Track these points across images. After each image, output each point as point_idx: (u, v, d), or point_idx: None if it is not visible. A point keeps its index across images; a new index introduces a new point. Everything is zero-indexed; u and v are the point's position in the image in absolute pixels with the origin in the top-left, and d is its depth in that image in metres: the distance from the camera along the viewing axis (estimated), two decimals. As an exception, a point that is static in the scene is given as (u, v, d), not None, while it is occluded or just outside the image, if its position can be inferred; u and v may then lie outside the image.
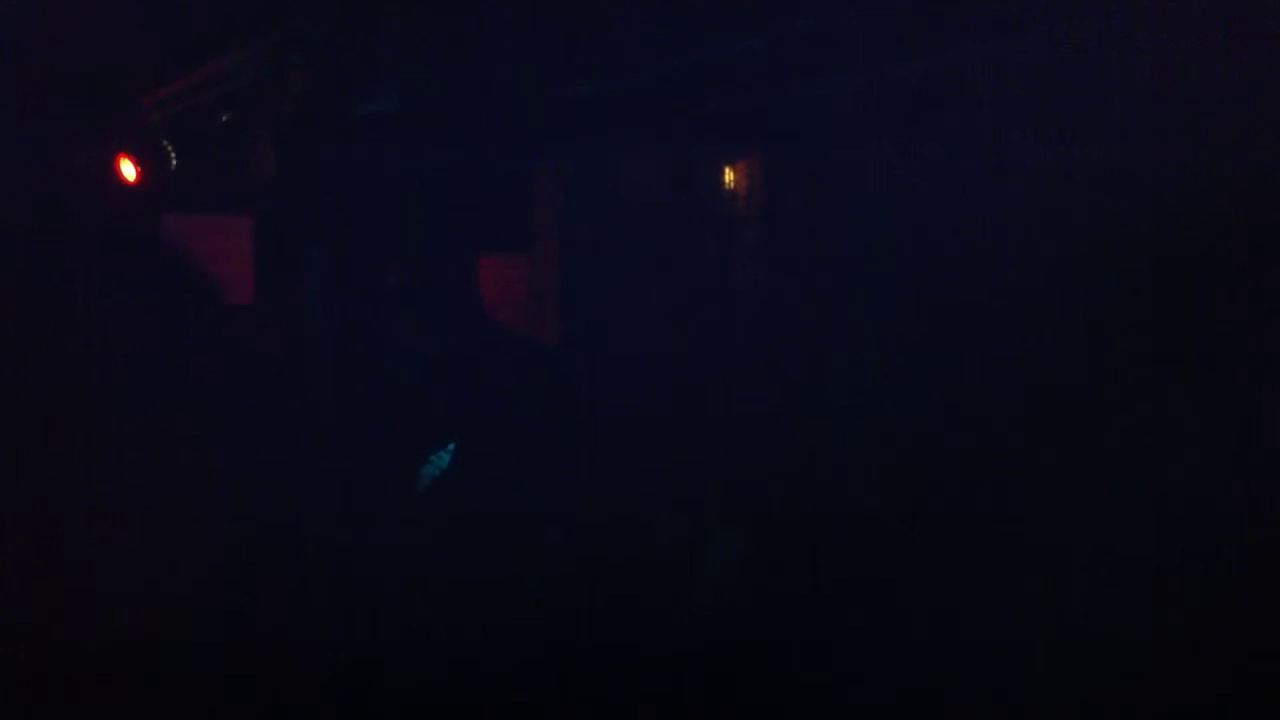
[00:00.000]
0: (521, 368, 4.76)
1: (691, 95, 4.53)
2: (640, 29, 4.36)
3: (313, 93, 4.69)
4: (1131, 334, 3.10)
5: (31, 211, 4.28)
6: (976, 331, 3.58)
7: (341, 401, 4.60)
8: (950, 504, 3.43)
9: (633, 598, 3.87)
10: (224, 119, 4.83)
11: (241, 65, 4.67)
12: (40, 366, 4.22)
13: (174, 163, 4.97)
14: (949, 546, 3.33)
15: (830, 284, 4.20)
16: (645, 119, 4.65)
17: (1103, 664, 2.93)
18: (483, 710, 3.67)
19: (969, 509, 3.36)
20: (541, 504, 4.29)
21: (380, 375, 4.73)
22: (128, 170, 4.98)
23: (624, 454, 4.40)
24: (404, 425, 4.67)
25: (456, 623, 3.83)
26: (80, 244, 4.37)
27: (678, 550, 4.06)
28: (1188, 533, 2.83)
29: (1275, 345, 2.83)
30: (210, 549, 4.00)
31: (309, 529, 4.12)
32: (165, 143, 4.96)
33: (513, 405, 4.60)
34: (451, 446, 4.43)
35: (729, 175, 4.64)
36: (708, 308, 4.62)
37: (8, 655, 3.58)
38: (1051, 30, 3.47)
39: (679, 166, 4.71)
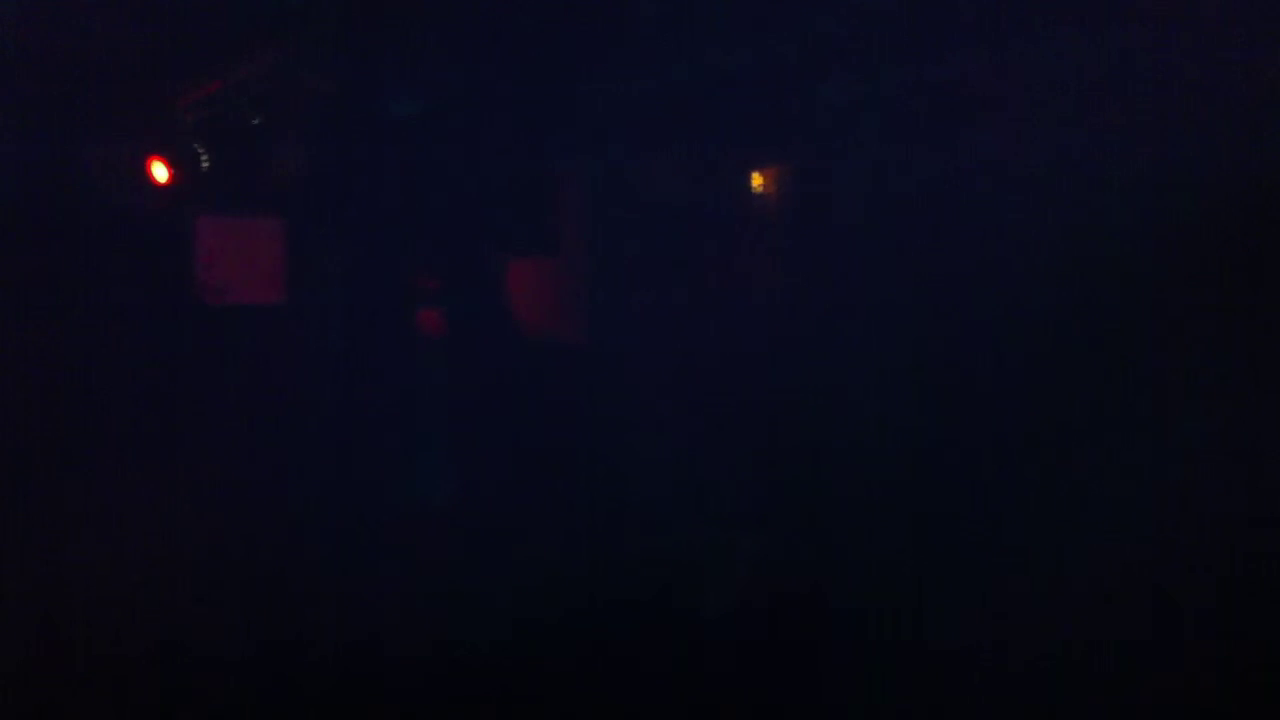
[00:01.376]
0: (546, 368, 4.80)
1: (717, 98, 4.55)
2: (665, 32, 4.37)
3: (341, 96, 4.74)
4: (1134, 335, 3.09)
5: (55, 210, 4.35)
6: (998, 334, 3.57)
7: (367, 400, 4.65)
8: (966, 505, 3.43)
9: (652, 599, 3.89)
10: (255, 121, 4.88)
11: (271, 68, 4.71)
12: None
13: (205, 164, 5.03)
14: (963, 546, 3.33)
15: (855, 285, 4.20)
16: (671, 122, 4.66)
17: (1110, 666, 2.93)
18: (499, 711, 3.69)
19: (983, 509, 3.36)
20: (562, 505, 4.32)
21: (407, 375, 4.78)
22: (159, 172, 5.04)
23: (648, 455, 4.42)
24: (429, 424, 4.71)
25: (470, 623, 3.86)
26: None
27: (699, 552, 4.07)
28: (1189, 533, 2.83)
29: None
30: (212, 551, 4.05)
31: (319, 528, 4.17)
32: (196, 145, 5.01)
33: (537, 406, 4.63)
34: (469, 445, 4.47)
35: (754, 177, 4.65)
36: (732, 308, 4.63)
37: (8, 656, 3.63)
38: (1062, 35, 3.46)
39: (704, 169, 4.72)
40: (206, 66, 4.85)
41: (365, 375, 4.70)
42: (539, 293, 4.96)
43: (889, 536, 3.61)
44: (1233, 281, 2.95)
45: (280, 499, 4.45)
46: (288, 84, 4.75)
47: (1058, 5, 3.39)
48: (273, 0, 4.53)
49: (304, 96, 4.76)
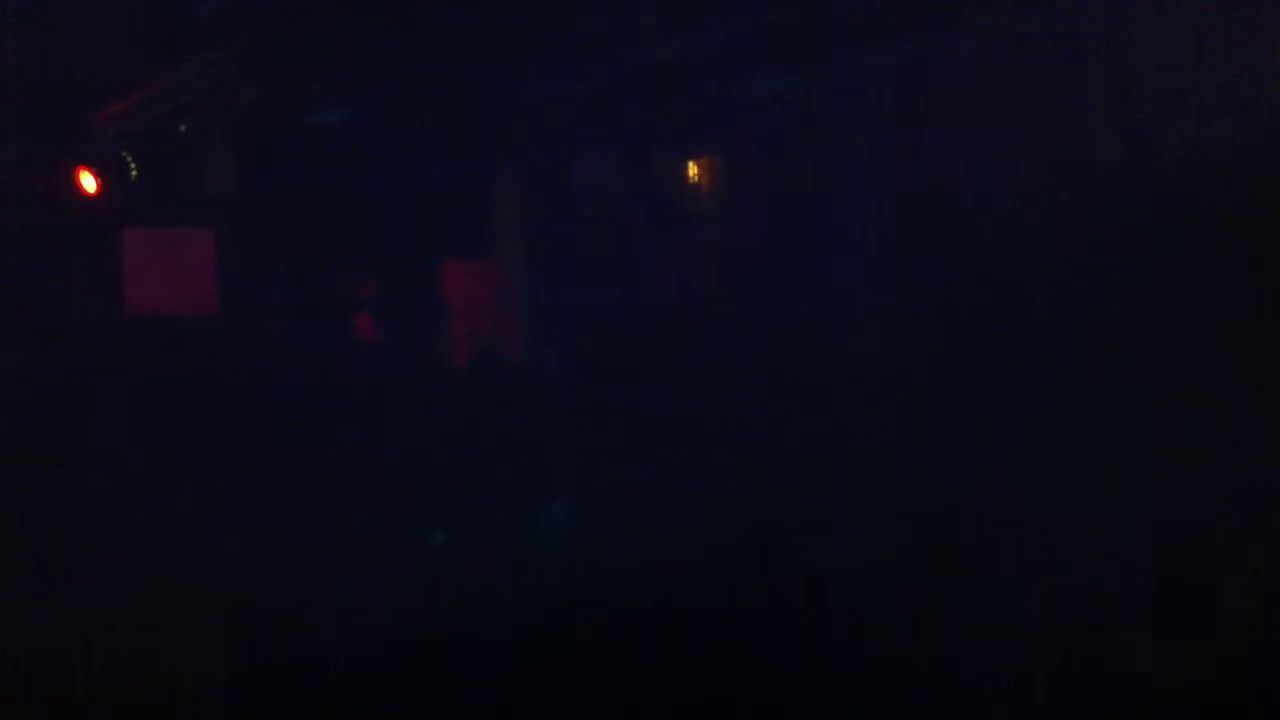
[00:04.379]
0: (484, 372, 4.76)
1: (652, 94, 4.51)
2: (600, 29, 4.33)
3: (269, 104, 4.66)
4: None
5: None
6: (946, 327, 3.56)
7: (313, 409, 4.60)
8: (924, 506, 3.42)
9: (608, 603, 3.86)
10: (181, 129, 4.79)
11: (197, 77, 4.63)
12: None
13: (133, 175, 4.94)
14: (934, 550, 3.32)
15: (794, 280, 4.18)
16: (607, 119, 4.62)
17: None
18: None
19: (945, 514, 3.35)
20: (506, 508, 4.31)
21: (349, 383, 4.72)
22: (87, 183, 4.94)
23: (595, 458, 4.39)
24: (374, 430, 4.66)
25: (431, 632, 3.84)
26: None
27: (652, 555, 4.03)
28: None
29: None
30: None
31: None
32: (125, 155, 4.92)
33: (476, 408, 4.59)
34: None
35: (692, 172, 4.62)
36: (673, 305, 4.60)
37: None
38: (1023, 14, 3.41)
39: (642, 165, 4.68)
40: (132, 76, 4.76)
41: (303, 385, 4.64)
42: (483, 292, 4.91)
43: (837, 534, 3.60)
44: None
45: (223, 510, 4.40)
46: (215, 92, 4.67)
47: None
48: (196, 9, 4.46)
49: (232, 104, 4.68)
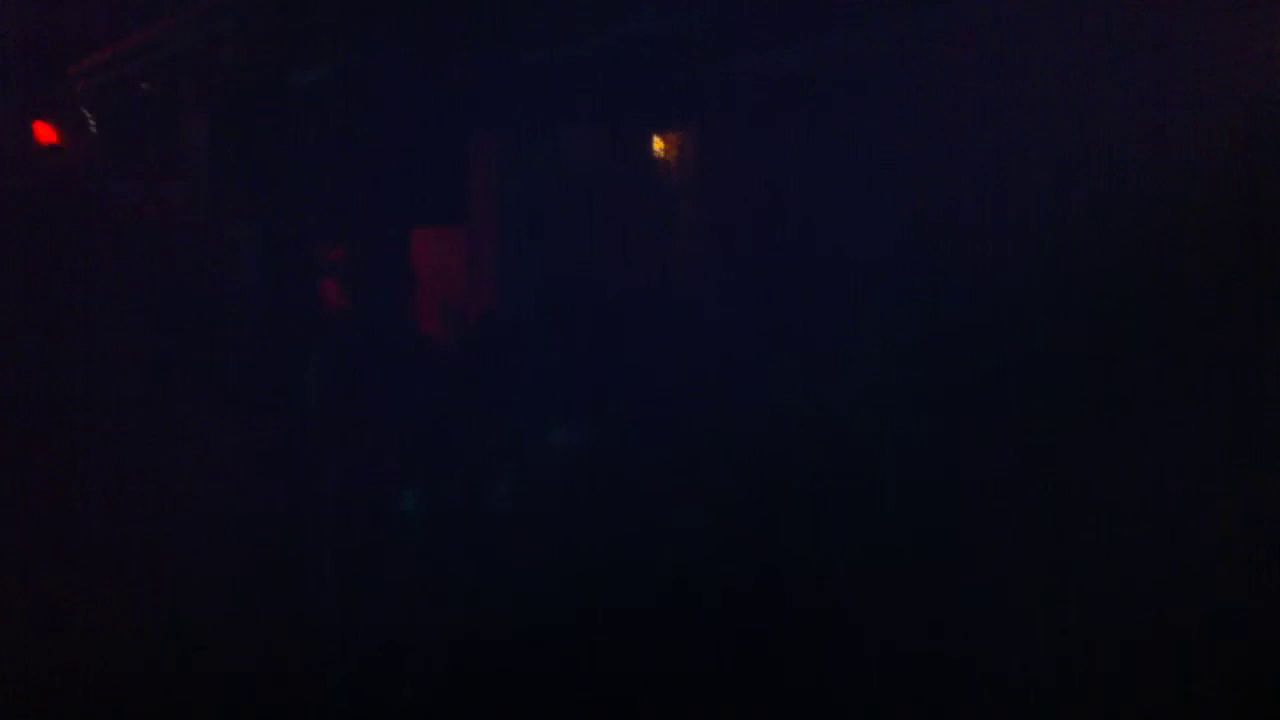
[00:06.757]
0: (459, 340, 4.76)
1: (632, 67, 4.52)
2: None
3: (246, 63, 4.61)
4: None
5: None
6: (946, 319, 3.61)
7: (286, 378, 4.57)
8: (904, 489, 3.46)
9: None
10: (153, 87, 4.72)
11: (172, 33, 4.56)
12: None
13: (93, 128, 4.86)
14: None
15: (768, 255, 4.23)
16: (585, 90, 4.63)
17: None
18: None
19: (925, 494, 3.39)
20: (486, 488, 4.31)
21: (322, 350, 4.70)
22: (44, 134, 4.86)
23: (565, 436, 4.39)
24: (346, 401, 4.65)
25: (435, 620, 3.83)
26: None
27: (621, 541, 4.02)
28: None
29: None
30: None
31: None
32: (84, 110, 4.84)
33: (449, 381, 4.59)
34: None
35: (669, 147, 4.66)
36: (649, 279, 4.64)
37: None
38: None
39: (619, 137, 4.71)
40: (100, 34, 4.67)
41: (283, 351, 4.61)
42: (455, 261, 4.91)
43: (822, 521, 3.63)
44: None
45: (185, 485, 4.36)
46: (190, 50, 4.61)
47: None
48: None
49: (208, 63, 4.62)
